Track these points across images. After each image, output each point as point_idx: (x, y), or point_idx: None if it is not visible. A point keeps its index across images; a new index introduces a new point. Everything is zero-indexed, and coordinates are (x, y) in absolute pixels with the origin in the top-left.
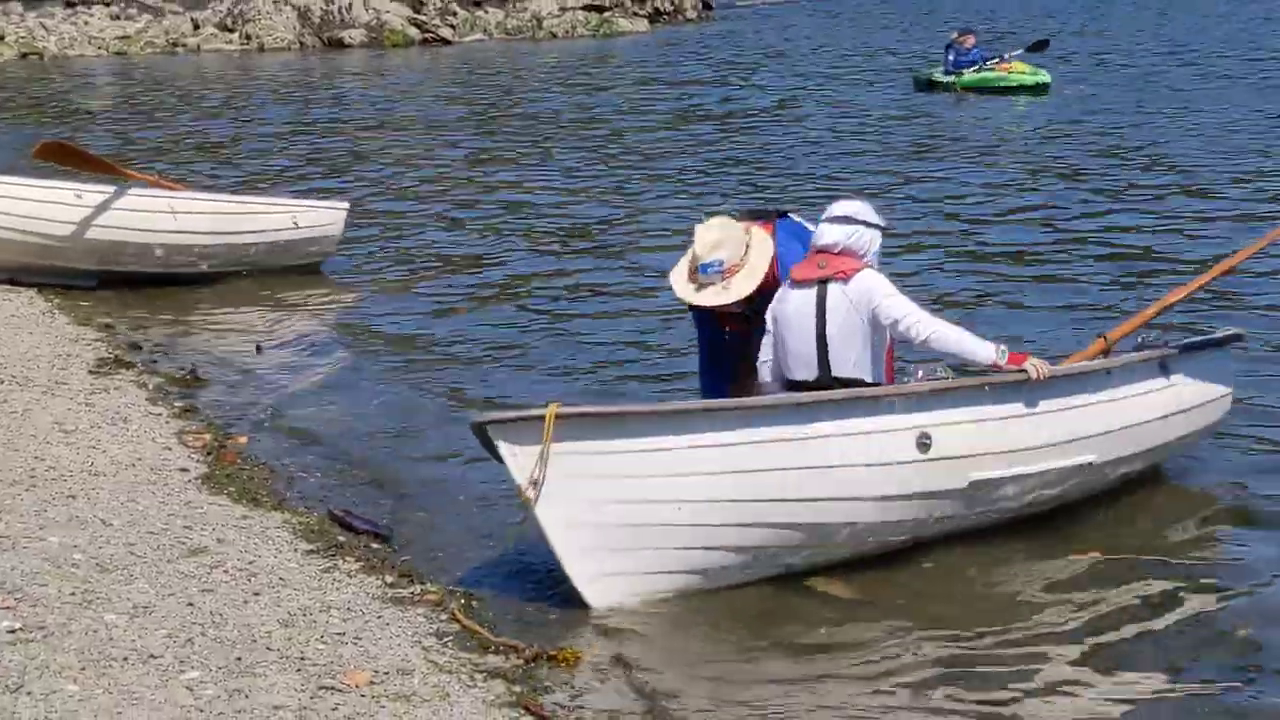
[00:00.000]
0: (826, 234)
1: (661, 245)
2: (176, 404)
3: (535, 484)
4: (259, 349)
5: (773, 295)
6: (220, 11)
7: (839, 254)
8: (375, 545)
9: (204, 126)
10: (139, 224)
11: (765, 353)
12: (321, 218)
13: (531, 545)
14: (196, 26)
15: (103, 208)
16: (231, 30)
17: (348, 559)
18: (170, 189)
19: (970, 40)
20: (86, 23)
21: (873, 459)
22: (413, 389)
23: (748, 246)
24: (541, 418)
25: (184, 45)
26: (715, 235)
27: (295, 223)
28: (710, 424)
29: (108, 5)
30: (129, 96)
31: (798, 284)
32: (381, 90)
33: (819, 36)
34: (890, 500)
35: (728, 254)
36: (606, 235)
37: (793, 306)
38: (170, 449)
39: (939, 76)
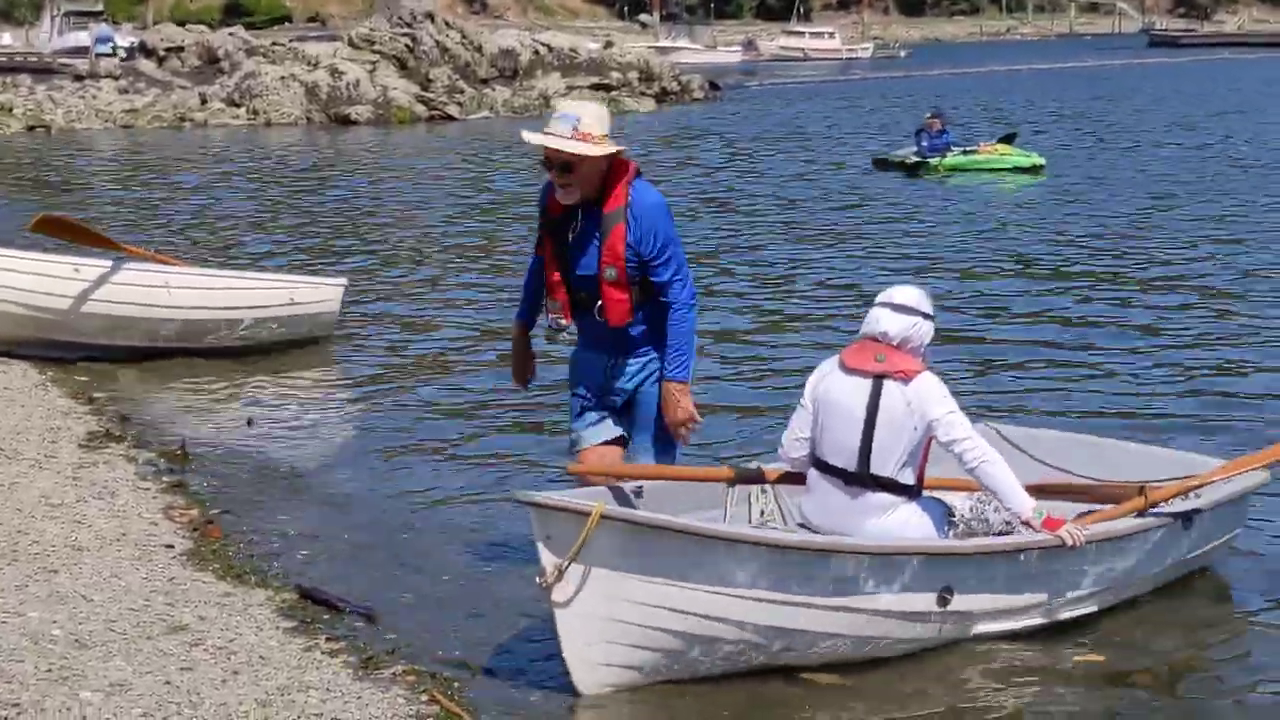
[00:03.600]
0: (884, 321)
1: None
2: (165, 479)
3: (560, 572)
4: (250, 423)
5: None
6: (228, 86)
7: (895, 347)
8: (358, 624)
9: (206, 200)
10: (135, 298)
11: (800, 429)
12: (319, 294)
13: (516, 625)
14: (204, 101)
15: (100, 282)
16: (239, 105)
17: (328, 637)
18: (167, 264)
19: (938, 124)
20: (95, 96)
21: (890, 606)
22: (404, 464)
23: (608, 138)
24: (586, 514)
25: (191, 119)
26: (585, 103)
27: (292, 298)
28: (743, 554)
29: (116, 79)
30: (133, 170)
31: (850, 371)
32: (386, 167)
33: (820, 119)
34: (898, 637)
35: (591, 119)
36: None
37: (843, 394)
38: (156, 524)
39: (905, 158)
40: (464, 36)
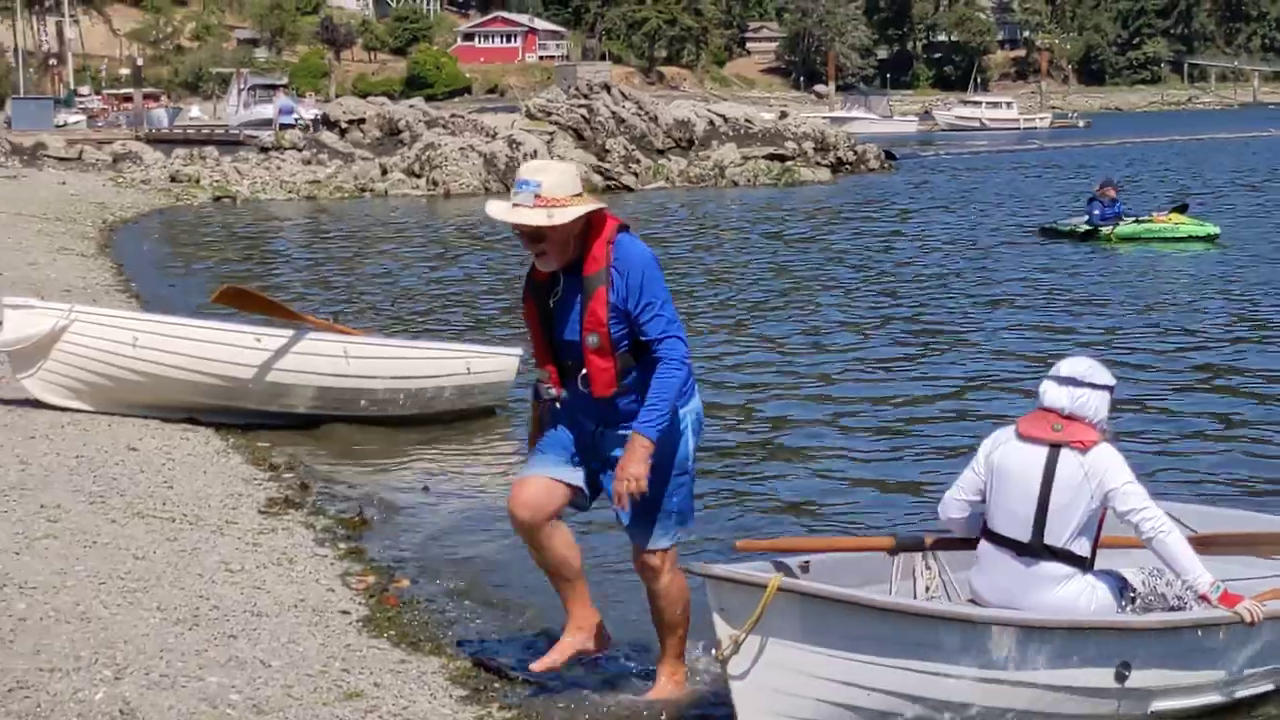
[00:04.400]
0: (1051, 394)
1: (828, 396)
2: (342, 545)
3: (736, 644)
4: (426, 490)
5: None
6: (408, 157)
7: (1068, 418)
8: (530, 693)
9: (385, 270)
10: (314, 367)
11: (964, 490)
12: (495, 363)
13: (691, 694)
14: (385, 171)
15: (281, 351)
16: (418, 175)
17: (501, 705)
18: (345, 333)
19: (1111, 192)
20: (279, 167)
21: (1068, 681)
22: (580, 533)
23: (579, 197)
24: (763, 586)
25: (372, 190)
26: (547, 164)
27: (469, 368)
28: (921, 627)
29: (299, 151)
30: (315, 240)
31: (1026, 440)
32: None
33: (995, 188)
34: (1073, 714)
35: (552, 182)
36: (764, 393)
37: (1018, 462)
38: (334, 591)
39: (1075, 227)
40: (640, 107)
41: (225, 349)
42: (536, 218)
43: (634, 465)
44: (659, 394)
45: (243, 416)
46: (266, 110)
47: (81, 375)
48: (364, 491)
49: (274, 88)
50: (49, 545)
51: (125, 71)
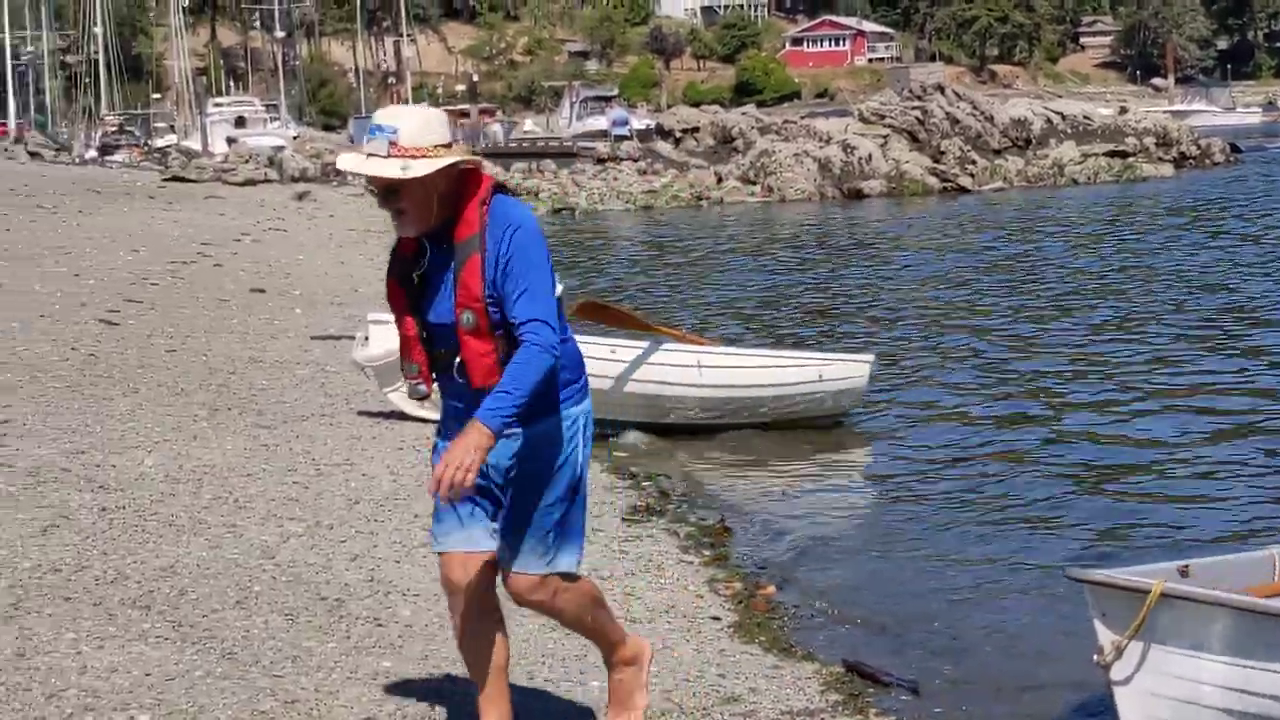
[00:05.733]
0: None
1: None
2: (707, 552)
3: (1118, 650)
4: (784, 496)
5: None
6: (743, 164)
7: None
8: (904, 697)
9: (728, 277)
10: (669, 378)
11: None
12: (847, 370)
13: (1066, 701)
14: (720, 179)
15: (636, 363)
16: (753, 182)
17: (876, 711)
18: (698, 343)
19: None
20: (615, 178)
21: None
22: (935, 538)
23: (446, 148)
24: (1146, 591)
25: (708, 198)
26: (407, 109)
27: (821, 375)
28: None
29: (635, 161)
30: (656, 249)
31: None
32: (903, 239)
33: None
34: None
35: (412, 129)
36: (1147, 398)
37: None
38: (702, 597)
39: None
40: (975, 107)
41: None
42: (389, 169)
43: (458, 451)
44: (513, 379)
45: (598, 427)
46: (599, 122)
47: None
48: (722, 499)
49: (606, 99)
50: (426, 554)
51: (461, 88)
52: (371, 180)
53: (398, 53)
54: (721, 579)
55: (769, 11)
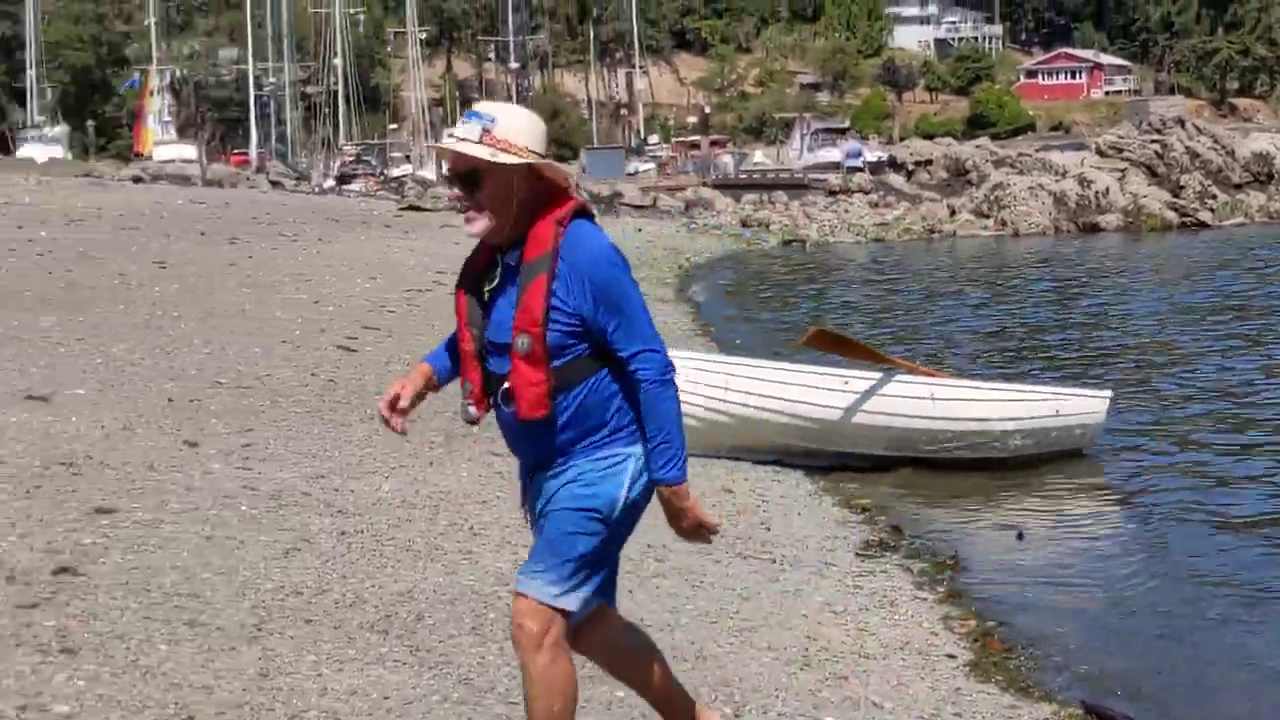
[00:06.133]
0: None
1: None
2: (940, 588)
3: None
4: (1020, 536)
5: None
6: (976, 197)
7: None
8: None
9: (957, 310)
10: (900, 410)
11: None
12: (1084, 405)
13: None
14: (953, 212)
15: (867, 394)
16: (986, 215)
17: None
18: (931, 376)
19: None
20: (846, 210)
21: None
22: (1177, 577)
23: (540, 156)
24: None
25: (940, 230)
26: (511, 107)
27: (1057, 410)
28: None
29: (867, 194)
30: (887, 281)
31: None
32: (1140, 274)
33: None
34: None
35: (511, 124)
36: None
37: None
38: (937, 634)
39: None
40: (1215, 141)
41: (815, 391)
42: (477, 152)
43: (686, 518)
44: (658, 427)
45: (827, 458)
46: (830, 153)
47: None
48: (955, 534)
49: (836, 131)
50: (659, 584)
51: (692, 119)
52: (453, 165)
53: (630, 84)
54: (956, 616)
55: (1004, 44)
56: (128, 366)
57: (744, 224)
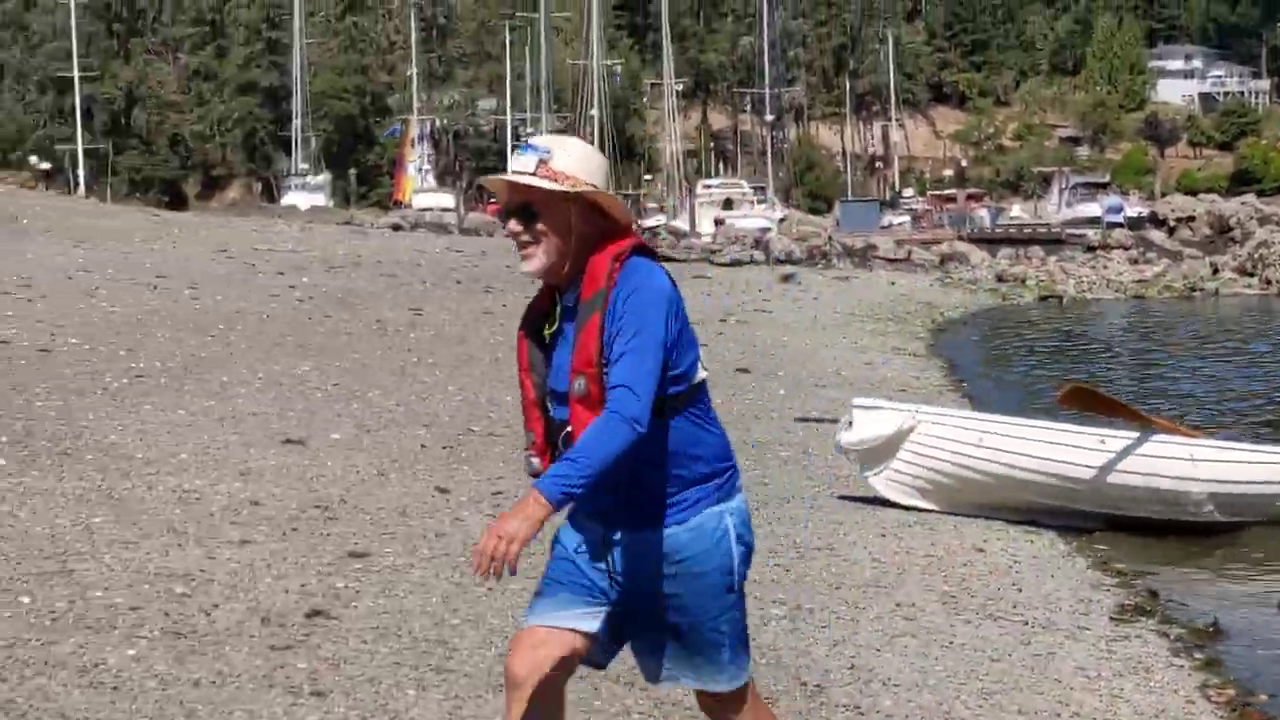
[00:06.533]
0: None
1: None
2: (1198, 656)
3: None
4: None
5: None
6: (1239, 255)
7: None
8: None
9: (1219, 370)
10: (1159, 470)
11: None
12: None
13: None
14: (1215, 270)
15: (1124, 453)
16: (1251, 274)
17: None
18: (1190, 435)
19: None
20: (1105, 266)
21: None
22: None
23: (596, 188)
24: None
25: (1201, 288)
26: (569, 139)
27: None
28: None
29: (1127, 250)
30: (1143, 339)
31: None
32: None
33: None
34: None
35: (568, 158)
36: None
37: None
38: (1193, 703)
39: None
40: None
41: (1070, 450)
42: (534, 182)
43: (510, 521)
44: (583, 447)
45: (1079, 518)
46: (1089, 208)
47: (927, 475)
48: (1214, 600)
49: (1096, 186)
50: (908, 644)
51: (948, 173)
52: (508, 198)
53: (885, 137)
54: (1214, 685)
55: (1270, 99)
56: (383, 412)
57: (999, 279)
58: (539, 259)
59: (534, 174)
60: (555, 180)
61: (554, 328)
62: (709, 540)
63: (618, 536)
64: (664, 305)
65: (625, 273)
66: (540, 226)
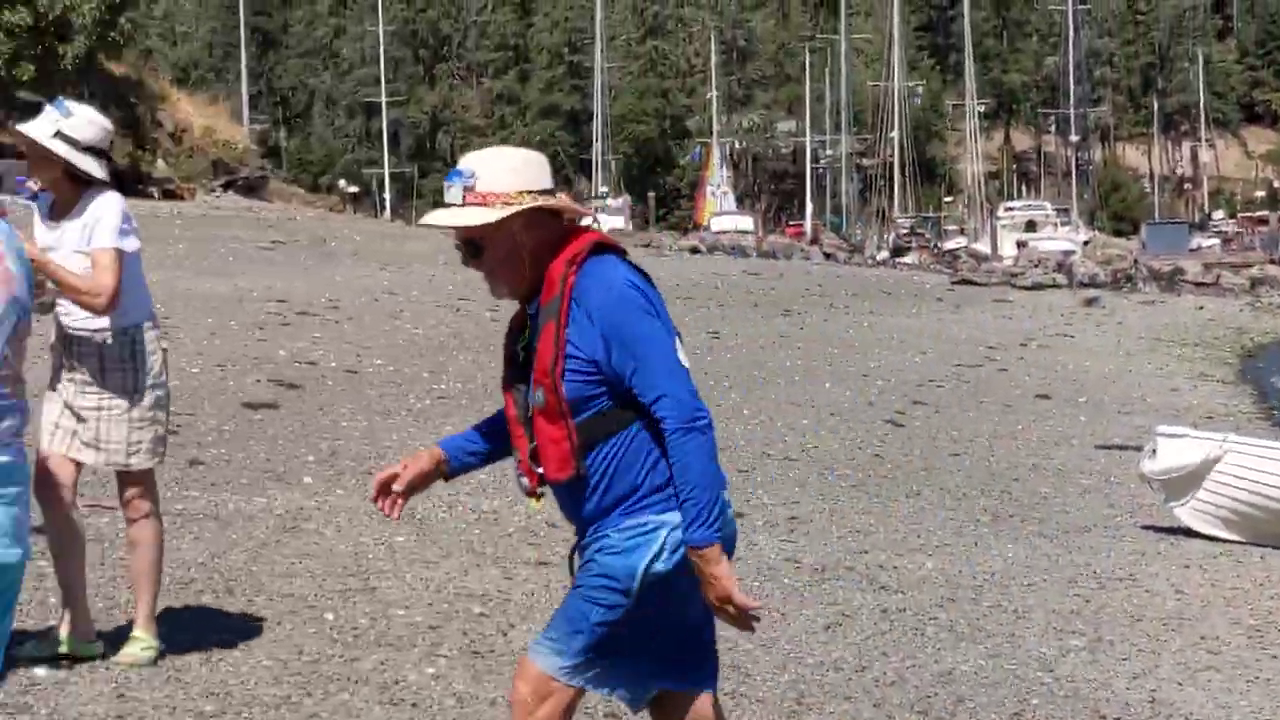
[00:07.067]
0: None
1: None
2: None
3: None
4: None
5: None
6: None
7: None
8: None
9: None
10: None
11: None
12: None
13: None
14: None
15: None
16: None
17: None
18: None
19: None
20: None
21: None
22: None
23: (535, 195)
24: None
25: None
26: (495, 151)
27: None
28: None
29: None
30: None
31: None
32: None
33: None
34: None
35: (493, 174)
36: None
37: None
38: None
39: None
40: None
41: None
42: (465, 218)
43: (716, 587)
44: (685, 481)
45: None
46: None
47: (1233, 505)
48: None
49: None
50: (1210, 678)
51: (1260, 194)
52: (455, 232)
53: (1194, 157)
54: None
55: None
56: None
57: None
58: (501, 286)
59: (463, 204)
60: (486, 204)
61: (524, 341)
62: (633, 537)
63: (579, 545)
64: (634, 299)
65: (581, 276)
66: (489, 255)
